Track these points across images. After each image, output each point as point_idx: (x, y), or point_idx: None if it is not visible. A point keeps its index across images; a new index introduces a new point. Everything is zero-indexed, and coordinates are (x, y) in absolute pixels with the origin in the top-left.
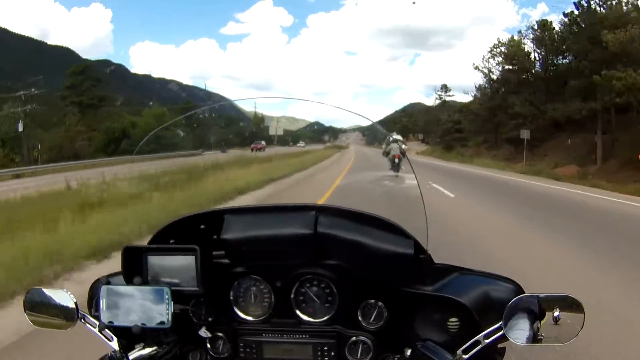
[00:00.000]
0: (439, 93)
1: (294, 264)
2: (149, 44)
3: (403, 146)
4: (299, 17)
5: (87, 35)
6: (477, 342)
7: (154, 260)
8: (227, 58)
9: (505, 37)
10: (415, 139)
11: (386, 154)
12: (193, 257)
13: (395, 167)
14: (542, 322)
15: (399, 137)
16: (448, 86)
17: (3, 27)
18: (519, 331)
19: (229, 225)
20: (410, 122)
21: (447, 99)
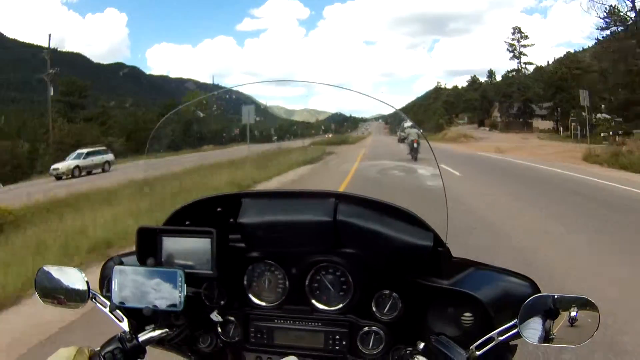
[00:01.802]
0: (511, 41)
1: (310, 251)
2: (165, 46)
3: (420, 131)
4: (315, 9)
5: (103, 41)
6: (491, 339)
7: (169, 242)
8: (245, 54)
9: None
10: (458, 121)
11: (402, 140)
12: (209, 240)
13: (414, 152)
14: (557, 322)
15: (411, 123)
16: (523, 31)
17: (12, 37)
18: (533, 330)
19: (246, 209)
20: (453, 95)
21: (525, 50)
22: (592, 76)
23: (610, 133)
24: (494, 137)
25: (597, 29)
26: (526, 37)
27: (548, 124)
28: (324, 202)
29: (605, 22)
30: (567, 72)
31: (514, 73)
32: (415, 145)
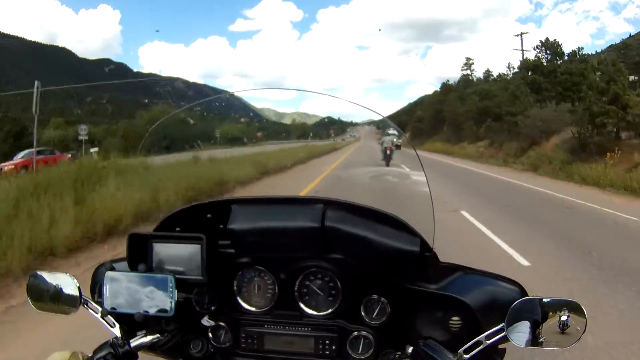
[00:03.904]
0: None
1: (299, 257)
2: (158, 44)
3: (398, 140)
4: (308, 12)
5: (95, 37)
6: (479, 343)
7: (159, 248)
8: (237, 56)
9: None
10: None
11: (380, 145)
12: (198, 246)
13: (387, 158)
14: (544, 325)
15: (394, 132)
16: None
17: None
18: (520, 333)
19: (235, 215)
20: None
21: None
22: None
23: None
24: None
25: None
26: None
27: None
28: (312, 208)
29: None
30: None
31: None
32: (388, 152)
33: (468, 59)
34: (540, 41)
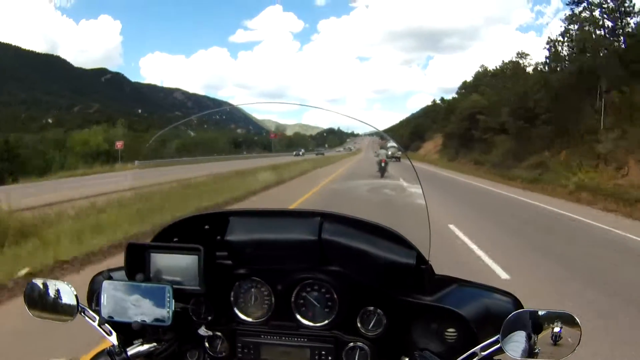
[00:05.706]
0: None
1: (296, 268)
2: (159, 55)
3: (398, 152)
4: (309, 23)
5: (96, 47)
6: (474, 354)
7: (157, 258)
8: (238, 67)
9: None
10: None
11: (376, 157)
12: (196, 257)
13: (381, 170)
14: (539, 337)
15: (394, 144)
16: None
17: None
18: (516, 345)
19: (233, 227)
20: None
21: None
22: None
23: None
24: None
25: None
26: None
27: None
28: (309, 221)
29: None
30: None
31: None
32: (382, 164)
33: None
34: None
